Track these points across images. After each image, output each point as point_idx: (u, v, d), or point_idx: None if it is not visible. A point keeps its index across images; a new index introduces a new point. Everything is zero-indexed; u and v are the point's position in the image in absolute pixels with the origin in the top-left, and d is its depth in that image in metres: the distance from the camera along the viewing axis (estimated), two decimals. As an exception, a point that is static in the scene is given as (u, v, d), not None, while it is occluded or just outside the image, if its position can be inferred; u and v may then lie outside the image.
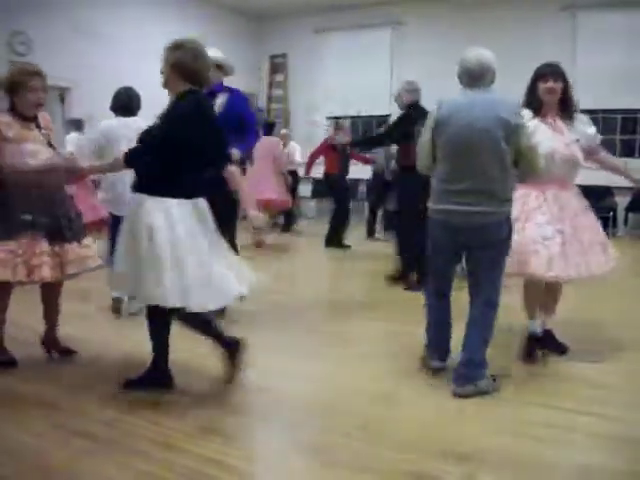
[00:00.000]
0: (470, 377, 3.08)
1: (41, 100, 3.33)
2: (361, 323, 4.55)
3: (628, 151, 10.66)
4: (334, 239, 8.38)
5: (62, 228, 3.33)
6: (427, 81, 11.53)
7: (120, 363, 3.43)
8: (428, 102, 12.60)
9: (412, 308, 5.06)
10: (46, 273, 3.20)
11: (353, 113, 12.70)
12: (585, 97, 10.34)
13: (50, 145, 3.36)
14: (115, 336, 3.99)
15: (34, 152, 3.24)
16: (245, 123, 4.34)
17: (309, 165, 8.88)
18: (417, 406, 2.97)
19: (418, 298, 5.41)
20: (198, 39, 3.04)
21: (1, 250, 3.12)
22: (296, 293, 5.66)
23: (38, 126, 3.36)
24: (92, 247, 3.50)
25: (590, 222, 3.57)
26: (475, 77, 3.17)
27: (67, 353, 3.55)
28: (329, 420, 2.78)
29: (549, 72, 3.47)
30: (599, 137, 3.64)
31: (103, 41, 9.69)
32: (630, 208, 10.15)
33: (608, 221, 10.28)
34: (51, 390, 3.05)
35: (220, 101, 4.32)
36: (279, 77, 13.59)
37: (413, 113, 5.53)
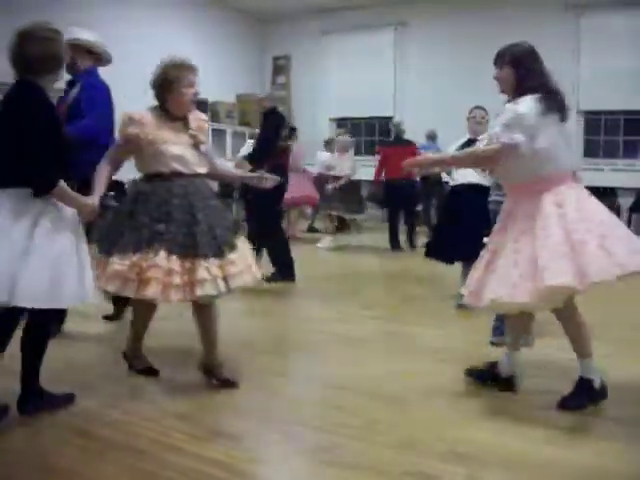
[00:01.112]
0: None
1: (195, 98, 3.09)
2: (362, 323, 4.55)
3: (632, 152, 10.64)
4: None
5: (198, 242, 2.93)
6: (430, 81, 11.64)
7: (121, 363, 3.42)
8: (430, 102, 12.56)
9: (413, 308, 5.07)
10: (176, 295, 2.87)
11: (356, 115, 12.72)
12: (588, 98, 10.37)
13: (197, 148, 3.09)
14: (116, 335, 3.99)
15: (178, 156, 2.99)
16: (84, 108, 3.85)
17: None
18: (418, 406, 2.96)
19: (420, 299, 5.42)
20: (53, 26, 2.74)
21: (120, 263, 2.86)
22: (296, 292, 5.66)
23: (186, 126, 3.08)
24: (239, 263, 3.04)
25: (542, 233, 2.77)
26: None
27: (228, 384, 3.16)
28: (331, 420, 2.78)
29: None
30: (494, 135, 2.91)
31: (106, 43, 9.71)
32: (634, 209, 10.12)
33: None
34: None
35: (75, 90, 3.94)
36: (281, 79, 13.60)
37: (272, 118, 5.80)
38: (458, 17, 11.17)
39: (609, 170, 10.47)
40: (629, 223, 10.21)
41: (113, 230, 3.00)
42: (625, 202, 10.19)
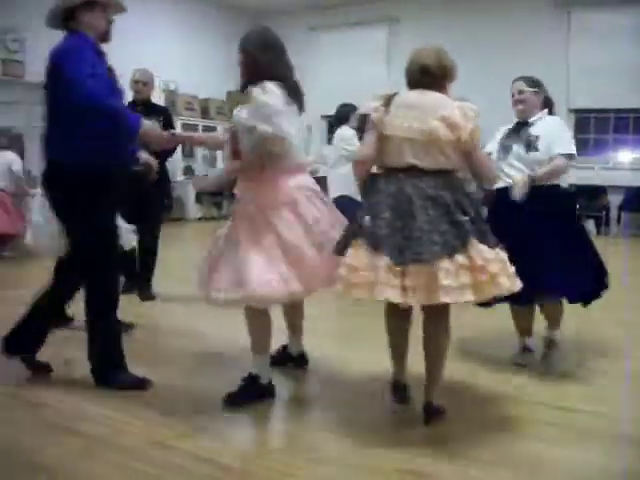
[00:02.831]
0: None
1: None
2: (351, 320, 4.54)
3: (621, 149, 10.70)
4: None
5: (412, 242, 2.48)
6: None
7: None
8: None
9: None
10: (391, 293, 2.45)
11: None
12: (578, 96, 10.40)
13: None
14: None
15: None
16: None
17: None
18: (408, 403, 2.95)
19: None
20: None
21: (462, 265, 2.43)
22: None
23: None
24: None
25: None
26: None
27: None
28: (320, 417, 2.77)
29: None
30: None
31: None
32: (623, 207, 10.17)
33: (601, 220, 10.34)
34: (43, 388, 3.03)
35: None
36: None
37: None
38: (450, 13, 11.19)
39: (599, 168, 10.52)
40: (619, 221, 10.28)
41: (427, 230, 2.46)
42: (615, 200, 10.25)
